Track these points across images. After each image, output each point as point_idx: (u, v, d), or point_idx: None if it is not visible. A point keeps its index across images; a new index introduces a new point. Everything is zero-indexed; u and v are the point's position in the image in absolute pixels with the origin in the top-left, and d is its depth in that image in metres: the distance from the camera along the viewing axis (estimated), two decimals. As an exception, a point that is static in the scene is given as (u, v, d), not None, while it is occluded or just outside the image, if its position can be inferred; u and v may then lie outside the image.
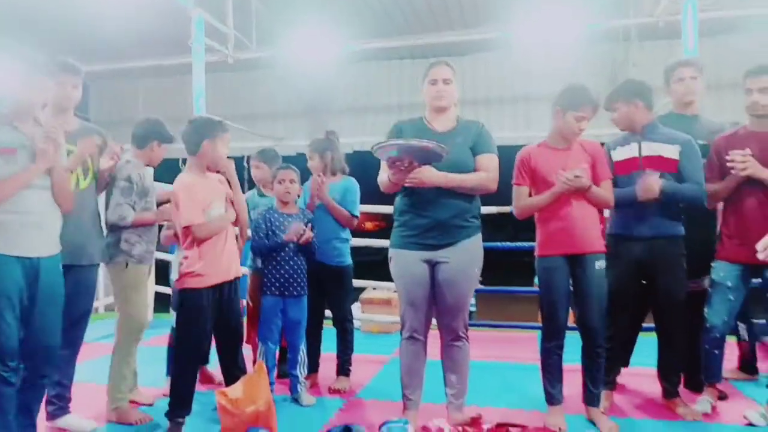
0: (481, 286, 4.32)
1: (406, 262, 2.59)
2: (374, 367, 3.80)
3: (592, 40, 6.66)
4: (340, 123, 8.07)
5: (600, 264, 2.64)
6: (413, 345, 2.65)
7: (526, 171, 2.75)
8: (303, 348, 3.11)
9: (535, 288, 6.23)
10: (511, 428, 2.27)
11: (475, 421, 2.24)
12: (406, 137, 2.55)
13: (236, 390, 2.32)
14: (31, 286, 2.18)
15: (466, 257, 2.57)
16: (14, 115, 2.19)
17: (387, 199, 3.07)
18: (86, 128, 2.78)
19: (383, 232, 4.75)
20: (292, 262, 3.04)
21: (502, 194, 4.62)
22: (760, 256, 1.79)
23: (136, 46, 6.93)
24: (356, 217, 3.33)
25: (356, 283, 3.66)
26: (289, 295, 3.04)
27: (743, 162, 2.67)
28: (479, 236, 2.63)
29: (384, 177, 2.59)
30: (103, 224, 2.84)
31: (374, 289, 5.22)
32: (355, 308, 5.13)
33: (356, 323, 4.77)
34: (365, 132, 7.90)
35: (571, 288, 2.70)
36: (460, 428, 2.18)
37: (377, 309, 5.12)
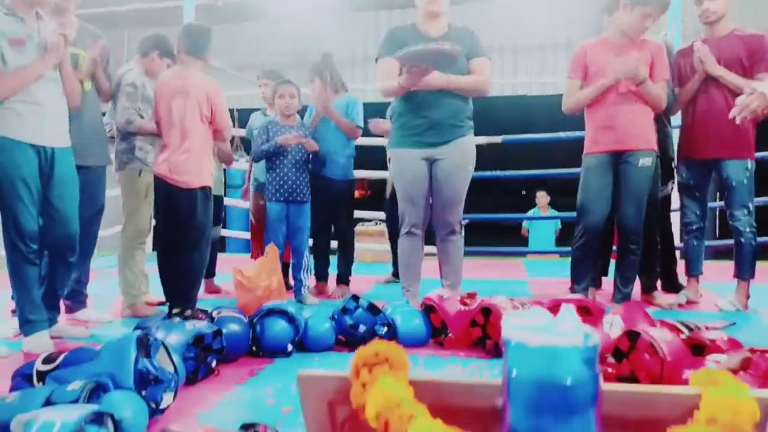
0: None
1: (406, 161, 2.75)
2: (372, 283, 3.99)
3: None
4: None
5: (645, 161, 2.68)
6: (412, 240, 2.82)
7: (579, 65, 2.77)
8: (306, 253, 3.26)
9: (523, 215, 6.41)
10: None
11: (472, 295, 2.42)
12: (403, 42, 2.67)
13: (251, 269, 2.48)
14: (48, 176, 2.28)
15: (461, 154, 2.74)
16: (19, 6, 2.25)
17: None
18: (85, 29, 2.85)
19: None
20: (294, 170, 3.18)
21: (494, 126, 4.79)
22: (736, 119, 1.96)
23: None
24: (361, 128, 3.45)
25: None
26: (293, 201, 3.18)
27: (702, 54, 2.83)
28: (472, 135, 2.79)
29: (391, 84, 2.68)
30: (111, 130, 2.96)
31: (376, 223, 5.38)
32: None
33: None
34: (356, 82, 7.99)
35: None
36: (459, 298, 2.35)
37: (372, 240, 5.29)
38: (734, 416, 0.39)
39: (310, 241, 3.48)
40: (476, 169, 2.82)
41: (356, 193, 3.72)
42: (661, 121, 3.07)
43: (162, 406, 1.53)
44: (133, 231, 2.94)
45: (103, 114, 2.97)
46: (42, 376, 1.55)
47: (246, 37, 8.17)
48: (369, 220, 5.42)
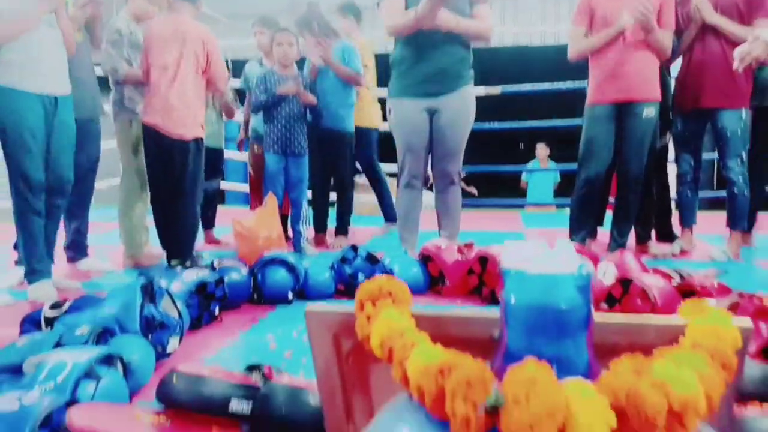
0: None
1: (407, 112, 2.73)
2: (370, 233, 4.02)
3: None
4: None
5: (648, 112, 2.66)
6: (411, 191, 2.84)
7: (585, 11, 2.73)
8: (305, 205, 3.27)
9: (521, 167, 6.41)
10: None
11: (469, 245, 2.46)
12: None
13: (250, 219, 2.50)
14: (50, 124, 2.28)
15: (462, 105, 2.72)
16: None
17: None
18: None
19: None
20: (292, 122, 3.16)
21: (493, 76, 4.72)
22: (736, 65, 1.95)
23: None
24: (361, 74, 3.40)
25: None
26: (290, 153, 3.18)
27: (699, 2, 2.79)
28: (473, 85, 2.77)
29: (401, 19, 2.60)
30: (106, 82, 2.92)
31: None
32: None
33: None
34: (362, 31, 7.80)
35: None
36: (456, 247, 2.39)
37: (369, 192, 5.30)
38: (718, 342, 0.42)
39: (309, 193, 3.50)
40: (475, 119, 2.81)
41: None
42: (661, 70, 3.04)
43: (168, 351, 1.58)
44: (131, 182, 2.94)
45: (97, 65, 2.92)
46: (50, 321, 1.58)
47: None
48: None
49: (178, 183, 2.69)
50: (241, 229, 2.45)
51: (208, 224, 3.61)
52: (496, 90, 4.76)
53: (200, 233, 3.22)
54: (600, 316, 0.45)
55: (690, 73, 2.94)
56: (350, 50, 3.39)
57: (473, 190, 5.98)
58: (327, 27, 3.43)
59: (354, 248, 2.36)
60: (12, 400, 0.96)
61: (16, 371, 1.26)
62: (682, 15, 2.91)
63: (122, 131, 2.93)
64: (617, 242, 2.88)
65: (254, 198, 3.60)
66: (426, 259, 2.38)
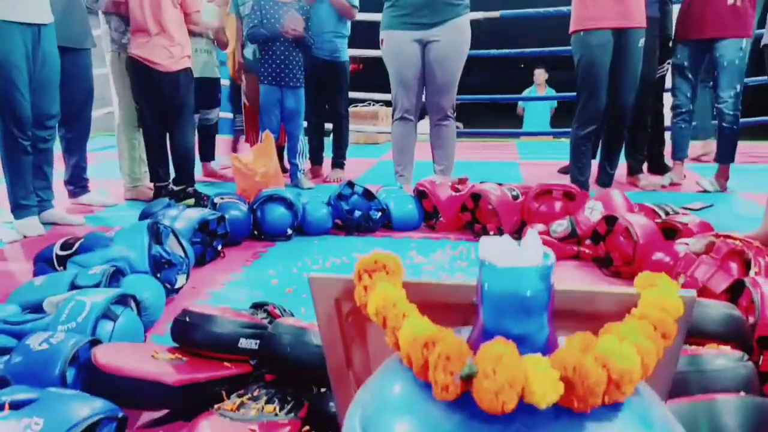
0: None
1: (399, 44, 2.70)
2: (366, 166, 4.08)
3: None
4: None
5: (642, 41, 2.60)
6: (405, 125, 2.86)
7: None
8: (301, 137, 3.29)
9: (517, 96, 6.34)
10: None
11: (463, 181, 2.53)
12: None
13: (248, 155, 2.55)
14: (33, 55, 2.26)
15: (456, 36, 2.69)
16: None
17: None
18: None
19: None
20: (287, 53, 3.12)
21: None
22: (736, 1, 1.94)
23: None
24: (355, 7, 3.34)
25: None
26: (285, 86, 3.16)
27: None
28: (468, 15, 2.73)
29: None
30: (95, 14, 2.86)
31: (369, 104, 5.35)
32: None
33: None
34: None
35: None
36: (450, 184, 2.46)
37: (364, 121, 5.30)
38: (661, 313, 0.49)
39: (305, 124, 3.52)
40: (473, 43, 2.76)
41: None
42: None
43: (176, 287, 1.68)
44: (128, 115, 2.94)
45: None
46: (61, 260, 1.67)
47: None
48: (362, 101, 5.39)
49: (170, 115, 2.77)
50: (240, 165, 2.50)
51: (206, 156, 3.65)
52: (494, 14, 4.63)
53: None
54: (561, 288, 0.52)
55: (693, 2, 2.90)
56: None
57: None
58: None
59: (350, 184, 2.42)
60: (42, 340, 1.05)
61: (36, 309, 1.36)
62: None
63: (113, 63, 2.91)
64: (608, 174, 2.90)
65: (249, 129, 3.61)
66: (421, 195, 2.45)
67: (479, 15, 4.55)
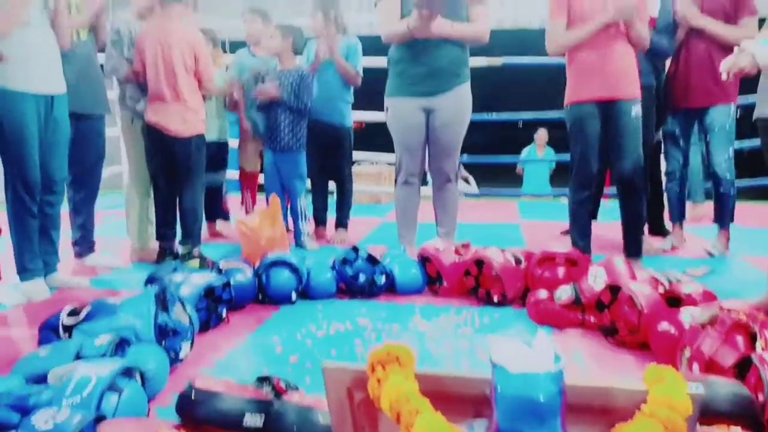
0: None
1: (404, 110, 2.79)
2: (369, 226, 4.11)
3: None
4: None
5: (636, 110, 2.59)
6: (409, 188, 2.91)
7: (563, 3, 2.61)
8: (301, 199, 3.29)
9: (516, 158, 6.45)
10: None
11: (466, 246, 2.55)
12: None
13: (254, 219, 2.59)
14: (45, 123, 2.34)
15: (459, 103, 2.78)
16: None
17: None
18: None
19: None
20: (283, 117, 3.19)
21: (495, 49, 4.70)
22: (723, 77, 2.01)
23: None
24: (360, 75, 3.45)
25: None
26: (281, 150, 3.23)
27: (684, 8, 2.85)
28: (469, 84, 2.83)
29: (395, 28, 2.67)
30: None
31: (372, 164, 5.45)
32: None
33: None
34: (349, 9, 7.78)
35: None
36: (453, 248, 2.48)
37: (367, 181, 5.38)
38: (671, 411, 0.50)
39: (309, 183, 3.58)
40: (473, 99, 2.82)
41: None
42: (656, 67, 3.10)
43: (181, 356, 1.67)
44: (137, 177, 3.01)
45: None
46: (68, 329, 1.67)
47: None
48: (365, 161, 5.48)
49: (180, 178, 2.85)
50: (245, 230, 2.54)
51: (212, 217, 3.69)
52: (497, 61, 4.74)
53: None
54: (573, 383, 0.53)
55: (678, 72, 3.00)
56: (355, 48, 3.42)
57: (470, 182, 6.05)
58: (341, 20, 3.45)
59: (355, 249, 2.44)
60: (46, 419, 1.05)
61: (40, 380, 1.36)
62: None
63: (126, 128, 3.01)
64: (629, 243, 2.76)
65: (244, 191, 3.66)
66: (424, 260, 2.46)
67: (482, 61, 4.66)
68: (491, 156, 5.89)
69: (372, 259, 2.41)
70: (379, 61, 3.46)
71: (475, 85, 2.85)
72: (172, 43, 2.72)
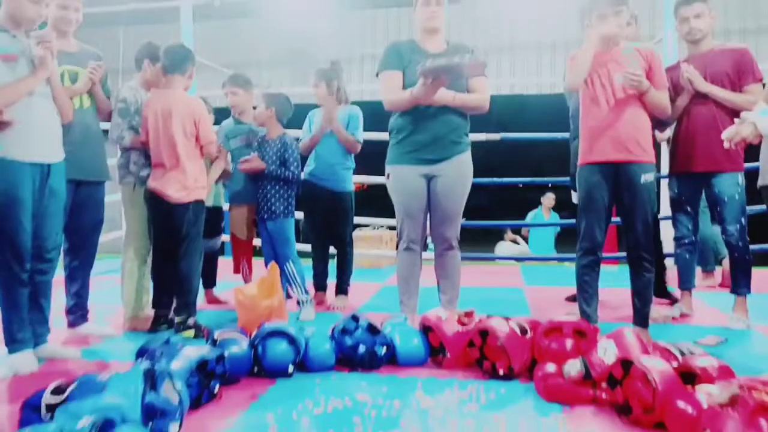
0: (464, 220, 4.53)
1: (405, 177, 2.78)
2: (370, 291, 4.03)
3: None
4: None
5: (647, 176, 2.54)
6: (410, 255, 2.86)
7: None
8: (289, 266, 3.17)
9: (521, 222, 6.43)
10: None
11: (469, 314, 2.46)
12: (405, 56, 2.71)
13: (252, 288, 2.52)
14: (40, 191, 2.32)
15: (459, 171, 2.78)
16: (9, 23, 2.28)
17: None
18: (86, 50, 2.88)
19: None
20: (270, 186, 3.19)
21: (491, 124, 4.78)
22: (726, 145, 2.00)
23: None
24: (360, 143, 3.48)
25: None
26: (268, 218, 3.21)
27: (690, 74, 2.87)
28: (469, 152, 2.83)
29: (399, 96, 2.69)
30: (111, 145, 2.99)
31: (374, 228, 5.42)
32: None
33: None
34: (351, 81, 8.01)
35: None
36: (456, 317, 2.40)
37: (368, 245, 5.34)
38: None
39: (310, 247, 3.55)
40: (474, 165, 2.82)
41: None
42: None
43: (168, 439, 1.57)
44: (134, 244, 2.96)
45: (106, 132, 2.99)
46: (51, 408, 1.58)
47: (242, 33, 8.15)
48: (366, 226, 5.47)
49: (179, 244, 2.80)
50: (243, 298, 2.47)
51: (209, 283, 3.63)
52: (495, 137, 4.82)
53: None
54: None
55: (682, 138, 2.99)
56: (356, 117, 3.46)
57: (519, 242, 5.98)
58: (344, 91, 3.51)
59: (355, 318, 2.36)
60: None
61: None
62: (672, 81, 2.98)
63: (127, 194, 2.99)
64: (641, 314, 2.66)
65: (238, 257, 3.59)
66: (426, 330, 2.38)
67: (481, 137, 4.73)
68: (493, 221, 5.87)
69: (372, 329, 2.33)
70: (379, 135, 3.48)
71: (476, 155, 2.87)
72: (173, 111, 2.76)
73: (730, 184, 2.87)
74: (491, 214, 6.09)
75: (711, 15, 2.95)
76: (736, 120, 1.95)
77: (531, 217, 6.61)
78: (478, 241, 5.59)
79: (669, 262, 3.65)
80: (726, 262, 3.72)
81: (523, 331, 2.24)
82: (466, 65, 2.55)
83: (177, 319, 2.72)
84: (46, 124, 2.35)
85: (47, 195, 2.36)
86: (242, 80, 3.55)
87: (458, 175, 2.77)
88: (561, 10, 7.15)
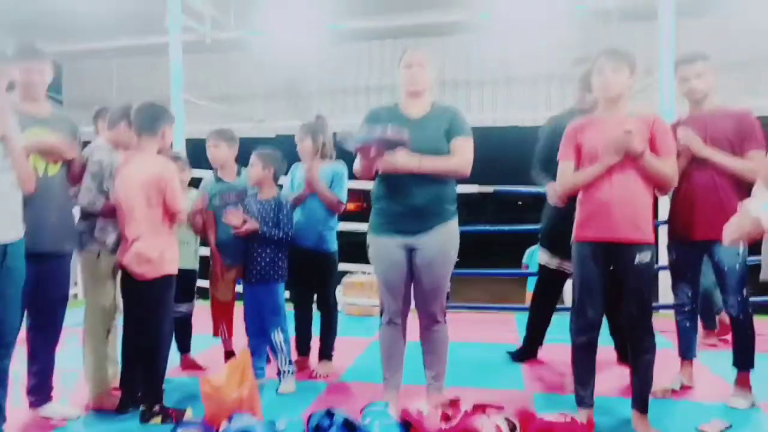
0: (458, 269, 4.37)
1: (384, 249, 2.62)
2: (356, 350, 3.86)
3: (570, 22, 6.68)
4: (320, 104, 8.04)
5: (642, 257, 2.37)
6: (392, 329, 2.70)
7: (571, 144, 2.51)
8: (277, 335, 3.06)
9: (516, 270, 6.24)
10: (488, 408, 2.32)
11: (454, 403, 2.30)
12: (382, 123, 2.55)
13: (220, 377, 2.35)
14: None
15: (442, 242, 2.59)
16: None
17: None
18: (58, 116, 2.74)
19: (364, 214, 4.79)
20: (261, 248, 3.05)
21: (484, 174, 4.66)
22: (726, 242, 1.85)
23: (112, 25, 6.79)
24: (344, 203, 3.34)
25: (340, 266, 3.66)
26: (257, 282, 3.06)
27: (687, 138, 2.73)
28: (455, 221, 2.65)
29: (356, 164, 2.60)
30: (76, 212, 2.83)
31: (363, 273, 5.26)
32: (338, 291, 5.17)
33: (339, 306, 4.84)
34: (347, 112, 7.90)
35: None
36: (439, 409, 2.23)
37: (359, 292, 5.18)
38: None
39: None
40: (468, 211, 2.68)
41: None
42: None
43: None
44: (95, 319, 2.78)
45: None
46: None
47: (236, 66, 8.05)
48: (354, 273, 5.31)
49: (145, 322, 2.64)
50: (209, 390, 2.29)
51: (184, 348, 3.46)
52: (488, 189, 4.72)
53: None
54: None
55: (680, 204, 2.85)
56: (341, 175, 3.32)
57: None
58: (329, 145, 3.38)
59: (330, 414, 2.19)
60: None
61: None
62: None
63: (89, 262, 2.80)
64: (641, 399, 2.48)
65: (216, 318, 3.43)
66: (407, 425, 2.21)
67: (473, 189, 4.62)
68: (489, 270, 5.72)
69: (349, 425, 2.16)
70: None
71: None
72: (137, 179, 2.60)
73: (731, 254, 2.71)
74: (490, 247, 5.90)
75: (712, 73, 2.82)
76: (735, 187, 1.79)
77: (528, 255, 6.41)
78: (472, 286, 5.43)
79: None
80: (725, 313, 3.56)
81: (512, 428, 2.07)
82: (387, 136, 2.37)
83: (142, 408, 2.54)
84: (4, 200, 2.22)
85: (4, 275, 2.22)
86: (227, 135, 3.44)
87: (440, 247, 2.59)
88: (556, 43, 7.07)
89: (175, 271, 2.67)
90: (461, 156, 2.57)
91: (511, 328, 4.62)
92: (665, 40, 5.01)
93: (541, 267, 3.61)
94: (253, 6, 6.49)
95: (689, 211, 2.79)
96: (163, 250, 2.61)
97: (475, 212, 2.86)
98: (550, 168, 2.90)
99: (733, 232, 1.77)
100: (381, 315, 2.73)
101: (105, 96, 8.46)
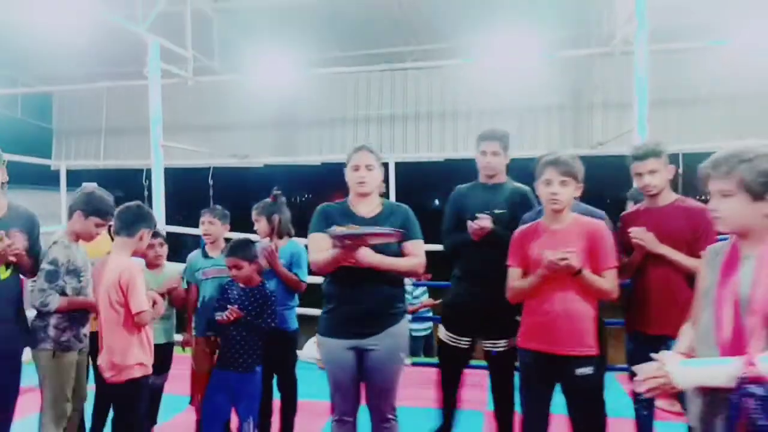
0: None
1: (335, 351, 2.64)
2: (321, 420, 3.81)
3: (552, 62, 6.67)
4: (306, 136, 8.05)
5: (583, 371, 2.37)
6: (343, 427, 2.71)
7: (516, 251, 2.55)
8: (249, 425, 3.04)
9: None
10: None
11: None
12: (334, 221, 2.55)
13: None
14: None
15: (393, 343, 2.62)
16: None
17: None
18: (17, 213, 2.73)
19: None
20: (238, 335, 3.03)
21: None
22: (639, 390, 1.79)
23: (96, 64, 6.84)
24: (304, 282, 3.34)
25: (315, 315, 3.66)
26: (234, 370, 3.03)
27: (641, 236, 2.72)
28: (405, 321, 2.68)
29: (321, 257, 2.55)
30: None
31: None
32: (311, 343, 5.17)
33: (312, 360, 4.85)
34: (334, 144, 7.90)
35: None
36: None
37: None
38: None
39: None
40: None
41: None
42: None
43: None
44: (53, 413, 2.77)
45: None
46: None
47: (227, 95, 8.04)
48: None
49: (114, 424, 2.74)
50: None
51: (151, 420, 3.46)
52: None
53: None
54: None
55: (637, 297, 2.85)
56: (299, 254, 3.33)
57: None
58: (286, 224, 3.40)
59: None
60: None
61: None
62: (624, 234, 2.82)
63: (44, 362, 2.77)
64: None
65: (194, 389, 3.44)
66: None
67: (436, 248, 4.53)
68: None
69: None
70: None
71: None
72: (102, 280, 2.64)
73: None
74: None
75: (667, 169, 2.80)
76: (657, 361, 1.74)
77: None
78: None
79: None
80: None
81: None
82: (370, 236, 2.41)
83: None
84: None
85: None
86: (220, 213, 3.52)
87: (390, 349, 2.61)
88: (541, 76, 7.05)
89: (141, 374, 2.67)
90: (419, 257, 2.62)
91: (481, 389, 4.58)
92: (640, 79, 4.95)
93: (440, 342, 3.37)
94: (236, 45, 6.50)
95: (645, 305, 2.79)
96: (125, 354, 2.61)
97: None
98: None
99: (648, 383, 1.73)
100: (331, 414, 2.73)
101: (94, 124, 8.51)
